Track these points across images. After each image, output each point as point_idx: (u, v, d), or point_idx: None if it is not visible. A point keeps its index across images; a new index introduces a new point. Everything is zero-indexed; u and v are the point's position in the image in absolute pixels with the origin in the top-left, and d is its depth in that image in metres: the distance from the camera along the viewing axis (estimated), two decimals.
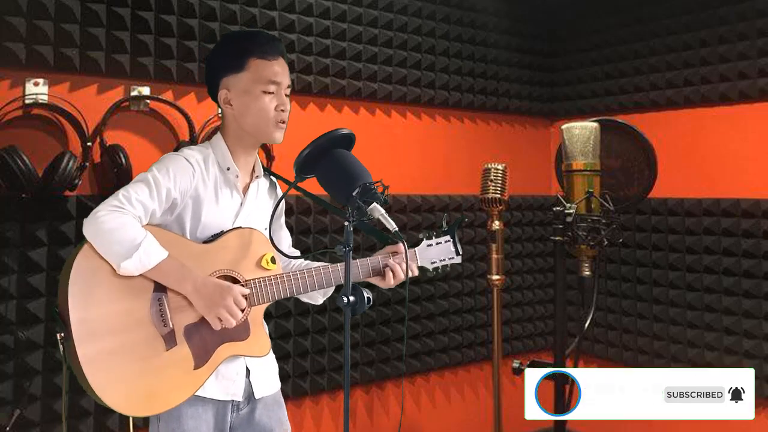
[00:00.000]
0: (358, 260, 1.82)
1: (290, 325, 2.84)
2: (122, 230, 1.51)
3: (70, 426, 2.31)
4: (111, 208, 1.53)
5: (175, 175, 1.63)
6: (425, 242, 1.97)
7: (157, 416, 1.66)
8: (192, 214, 1.68)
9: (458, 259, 2.02)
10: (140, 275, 1.55)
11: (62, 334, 1.50)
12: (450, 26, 3.44)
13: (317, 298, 1.93)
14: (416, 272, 1.92)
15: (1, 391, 2.21)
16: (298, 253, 1.98)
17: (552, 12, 3.85)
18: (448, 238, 1.99)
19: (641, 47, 3.46)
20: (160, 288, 1.59)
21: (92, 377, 1.49)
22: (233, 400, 1.73)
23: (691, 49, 3.25)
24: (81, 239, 1.56)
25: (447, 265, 2.00)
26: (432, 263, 1.98)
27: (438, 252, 1.98)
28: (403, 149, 3.29)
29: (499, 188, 2.53)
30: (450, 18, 3.44)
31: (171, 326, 1.58)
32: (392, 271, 1.82)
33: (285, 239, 1.96)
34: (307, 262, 1.95)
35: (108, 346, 1.51)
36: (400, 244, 1.82)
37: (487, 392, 3.57)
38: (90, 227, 1.52)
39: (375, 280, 1.85)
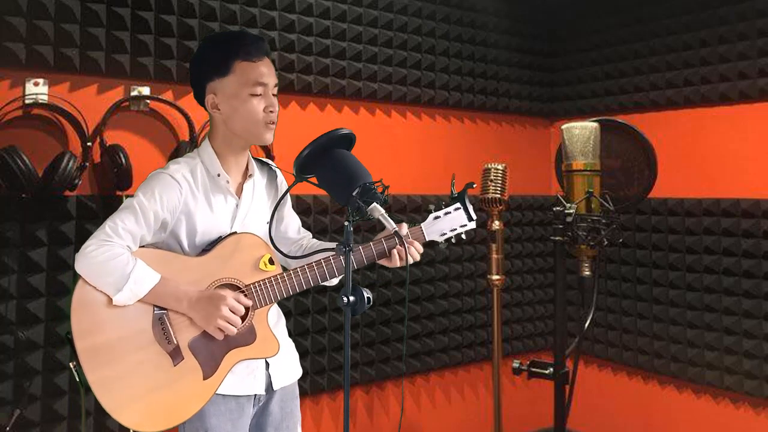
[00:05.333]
0: (371, 243, 1.76)
1: (290, 325, 2.84)
2: (112, 263, 1.54)
3: (70, 426, 2.31)
4: (99, 242, 1.56)
5: (161, 196, 1.63)
6: (432, 215, 1.86)
7: None
8: (187, 227, 1.69)
9: (472, 225, 1.87)
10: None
11: (74, 363, 1.56)
12: (450, 26, 3.44)
13: (332, 280, 1.86)
14: (417, 257, 1.76)
15: (1, 391, 2.21)
16: (309, 234, 1.98)
17: (552, 12, 3.85)
18: (457, 205, 1.86)
19: (641, 47, 3.46)
20: (161, 306, 1.62)
21: (106, 401, 1.54)
22: (256, 394, 1.76)
23: (691, 49, 3.25)
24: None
25: (460, 234, 1.87)
26: (442, 235, 1.85)
27: (447, 223, 1.86)
28: (403, 149, 3.29)
29: (499, 188, 2.53)
30: (450, 18, 3.44)
31: (175, 342, 1.61)
32: (398, 255, 1.75)
33: (293, 224, 1.97)
34: (318, 242, 1.92)
35: (116, 370, 1.55)
36: (403, 225, 1.75)
37: (487, 392, 3.57)
38: (81, 263, 1.55)
39: (382, 261, 1.80)
